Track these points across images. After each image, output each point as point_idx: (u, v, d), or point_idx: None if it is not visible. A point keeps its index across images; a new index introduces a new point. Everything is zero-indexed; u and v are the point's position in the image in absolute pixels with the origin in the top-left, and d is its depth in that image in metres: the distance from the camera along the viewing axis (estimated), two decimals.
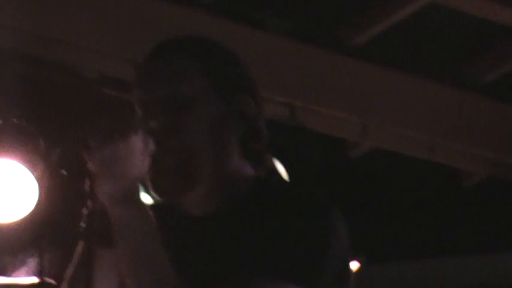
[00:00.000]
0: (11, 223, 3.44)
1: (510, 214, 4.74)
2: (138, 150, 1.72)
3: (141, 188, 1.77)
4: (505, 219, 4.77)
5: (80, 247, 1.76)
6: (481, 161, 4.40)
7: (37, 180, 3.37)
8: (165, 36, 1.90)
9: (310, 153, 4.04)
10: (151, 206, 1.82)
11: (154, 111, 1.80)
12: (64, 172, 1.72)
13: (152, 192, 1.81)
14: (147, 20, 3.52)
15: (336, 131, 4.04)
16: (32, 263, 3.52)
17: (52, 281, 3.02)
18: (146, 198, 1.81)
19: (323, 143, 4.12)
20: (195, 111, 1.82)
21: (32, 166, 3.37)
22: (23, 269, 3.53)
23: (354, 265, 4.17)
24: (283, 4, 3.84)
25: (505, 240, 5.04)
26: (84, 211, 1.71)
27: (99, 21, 3.55)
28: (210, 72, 1.84)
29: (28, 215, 3.41)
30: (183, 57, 1.85)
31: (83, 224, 1.71)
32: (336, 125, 4.03)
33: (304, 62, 3.92)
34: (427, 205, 4.89)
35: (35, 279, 3.47)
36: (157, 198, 1.84)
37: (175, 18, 3.60)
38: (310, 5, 3.89)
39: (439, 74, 4.16)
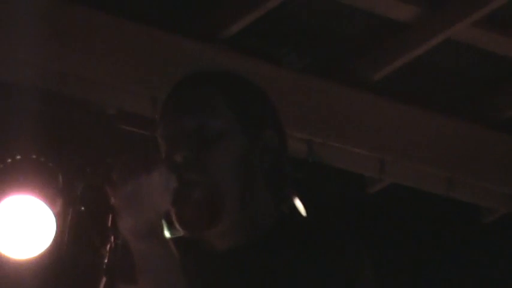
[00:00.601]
0: (28, 259, 3.42)
1: None
2: (161, 186, 1.71)
3: (164, 224, 1.75)
4: None
5: (102, 284, 1.74)
6: (501, 197, 4.34)
7: (55, 216, 3.34)
8: (183, 72, 1.89)
9: (329, 190, 3.97)
10: (174, 240, 1.80)
11: (179, 144, 1.80)
12: (83, 208, 1.71)
13: (177, 226, 1.80)
14: (166, 56, 3.48)
15: (354, 167, 3.99)
16: None
17: None
18: (169, 234, 1.80)
19: (342, 179, 4.05)
20: (221, 145, 1.81)
21: (50, 202, 3.35)
22: None
23: None
24: (302, 40, 3.81)
25: None
26: (107, 247, 1.71)
27: (118, 57, 3.51)
28: (237, 106, 1.83)
29: (45, 251, 3.38)
30: (209, 91, 1.84)
31: (105, 260, 1.70)
32: (354, 160, 3.98)
33: (322, 98, 3.88)
34: (446, 241, 4.82)
35: None
36: (182, 232, 1.82)
37: (194, 53, 3.55)
38: (328, 40, 3.85)
39: (457, 110, 4.12)
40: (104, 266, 1.72)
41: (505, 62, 3.91)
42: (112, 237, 1.71)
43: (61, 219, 3.37)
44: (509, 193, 4.30)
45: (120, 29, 3.44)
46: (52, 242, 3.37)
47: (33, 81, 3.37)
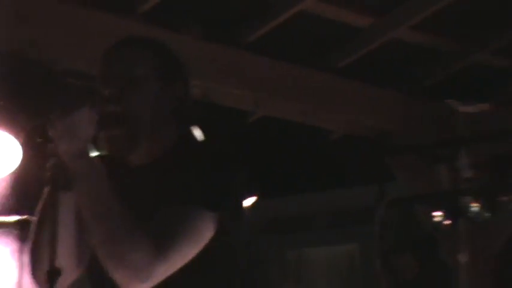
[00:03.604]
0: (1, 179, 3.54)
1: (357, 160, 5.05)
2: (88, 119, 1.78)
3: (91, 146, 1.81)
4: (355, 163, 5.11)
5: (46, 190, 1.82)
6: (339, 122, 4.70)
7: (20, 145, 3.51)
8: (109, 43, 1.97)
9: (218, 122, 3.86)
10: (101, 157, 1.86)
11: (108, 83, 1.88)
12: (39, 139, 1.79)
13: (103, 148, 1.86)
14: (99, 31, 3.64)
15: (236, 104, 4.28)
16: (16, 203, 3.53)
17: (29, 218, 2.79)
18: (96, 153, 1.85)
19: (228, 113, 4.24)
20: (139, 88, 1.88)
21: (15, 135, 3.51)
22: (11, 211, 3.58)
23: (251, 200, 4.28)
24: (203, 13, 4.04)
25: (353, 178, 5.38)
26: (49, 165, 1.78)
27: (68, 32, 3.66)
28: (156, 62, 1.91)
29: (14, 171, 3.52)
30: (137, 48, 1.92)
31: (48, 174, 1.79)
32: (236, 100, 4.25)
33: (214, 56, 4.09)
34: (303, 154, 5.24)
35: (14, 218, 3.57)
36: (107, 152, 1.88)
37: (117, 26, 3.68)
38: (219, 12, 4.10)
39: (309, 62, 4.44)
40: (47, 179, 1.79)
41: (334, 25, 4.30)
42: (53, 158, 1.77)
43: (24, 147, 3.50)
44: (346, 119, 4.72)
45: (72, 12, 3.64)
46: (19, 164, 3.52)
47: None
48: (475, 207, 4.36)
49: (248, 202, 4.06)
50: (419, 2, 4.25)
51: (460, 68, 4.76)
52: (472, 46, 4.69)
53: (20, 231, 3.40)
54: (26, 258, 1.88)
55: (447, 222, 4.40)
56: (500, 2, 4.36)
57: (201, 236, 1.78)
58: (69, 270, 1.84)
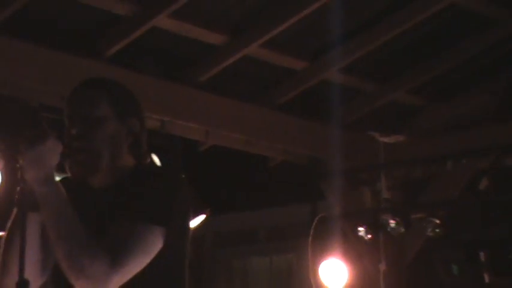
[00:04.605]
0: None
1: (292, 182, 5.05)
2: (52, 150, 1.77)
3: (55, 173, 1.81)
4: (291, 185, 5.13)
5: (15, 211, 1.83)
6: (276, 150, 4.72)
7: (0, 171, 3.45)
8: (75, 80, 1.97)
9: (173, 150, 3.97)
10: (64, 179, 1.88)
11: (74, 123, 1.89)
12: (18, 165, 1.76)
13: (69, 173, 1.88)
14: (68, 72, 3.65)
15: (190, 135, 4.28)
16: None
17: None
18: (59, 178, 1.85)
19: (183, 143, 4.18)
20: (100, 126, 1.89)
21: None
22: None
23: (201, 218, 4.11)
24: (157, 55, 4.01)
25: (289, 197, 5.35)
26: (18, 189, 1.76)
27: (43, 73, 3.66)
28: (114, 102, 1.91)
29: None
30: (96, 90, 1.92)
31: (17, 197, 1.77)
32: (189, 131, 4.26)
33: (170, 93, 4.10)
34: (246, 177, 5.28)
35: None
36: (72, 177, 1.90)
37: (86, 68, 3.70)
38: (173, 54, 4.04)
39: (252, 99, 4.46)
40: (16, 201, 1.78)
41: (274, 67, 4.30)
42: (21, 183, 1.75)
43: (2, 172, 3.42)
44: (283, 148, 4.74)
45: (42, 56, 3.62)
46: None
47: None
48: (392, 223, 4.40)
49: (198, 220, 3.99)
50: (347, 49, 4.32)
51: (379, 105, 4.83)
52: (389, 87, 4.76)
53: None
54: None
55: (369, 236, 4.47)
56: (409, 48, 4.45)
57: (151, 248, 1.79)
58: (35, 281, 1.84)
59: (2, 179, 3.46)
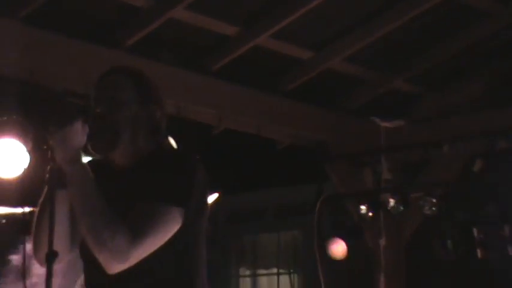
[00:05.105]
0: (13, 178, 3.50)
1: (299, 164, 5.07)
2: (79, 131, 1.79)
3: (82, 153, 1.82)
4: (298, 166, 5.15)
5: (45, 189, 1.83)
6: (284, 134, 4.75)
7: (28, 151, 3.48)
8: (99, 70, 1.96)
9: (189, 134, 3.76)
10: (90, 162, 1.88)
11: (100, 103, 1.89)
12: (44, 147, 1.80)
13: (92, 152, 1.87)
14: (90, 61, 3.67)
15: (204, 120, 4.34)
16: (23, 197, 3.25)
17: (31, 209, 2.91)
18: (86, 159, 1.86)
19: (196, 127, 4.24)
20: (123, 108, 1.89)
21: (25, 143, 3.47)
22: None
23: (214, 196, 4.05)
24: (174, 45, 4.02)
25: (296, 178, 5.42)
26: (48, 168, 1.79)
27: (66, 62, 3.73)
28: (137, 88, 1.90)
29: (22, 173, 3.49)
30: (123, 76, 1.92)
31: (47, 175, 1.79)
32: (204, 116, 4.31)
33: (186, 80, 4.11)
34: (256, 159, 5.30)
35: (21, 210, 3.31)
36: (95, 155, 1.90)
37: (109, 58, 3.73)
38: (189, 45, 4.05)
39: (262, 86, 4.46)
40: (46, 179, 1.79)
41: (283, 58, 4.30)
42: (51, 163, 1.77)
43: (31, 153, 3.45)
44: (290, 132, 4.77)
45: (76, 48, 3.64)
46: (27, 167, 3.45)
47: (13, 75, 3.57)
48: (392, 202, 4.40)
49: (212, 198, 3.98)
50: (351, 39, 4.31)
51: (380, 93, 4.81)
52: (389, 76, 4.74)
53: (25, 221, 3.18)
54: (30, 244, 1.88)
55: (370, 214, 4.46)
56: (408, 39, 4.44)
57: (170, 227, 1.79)
58: (64, 253, 1.86)
59: (30, 160, 3.47)
